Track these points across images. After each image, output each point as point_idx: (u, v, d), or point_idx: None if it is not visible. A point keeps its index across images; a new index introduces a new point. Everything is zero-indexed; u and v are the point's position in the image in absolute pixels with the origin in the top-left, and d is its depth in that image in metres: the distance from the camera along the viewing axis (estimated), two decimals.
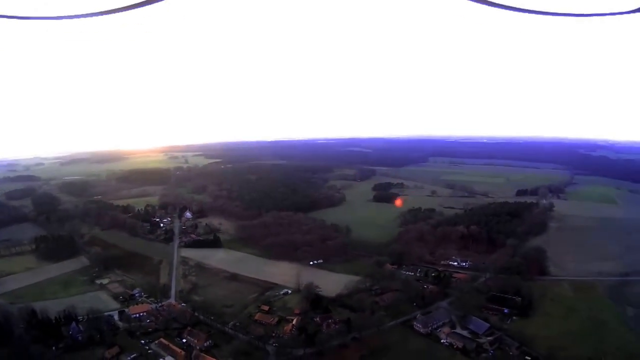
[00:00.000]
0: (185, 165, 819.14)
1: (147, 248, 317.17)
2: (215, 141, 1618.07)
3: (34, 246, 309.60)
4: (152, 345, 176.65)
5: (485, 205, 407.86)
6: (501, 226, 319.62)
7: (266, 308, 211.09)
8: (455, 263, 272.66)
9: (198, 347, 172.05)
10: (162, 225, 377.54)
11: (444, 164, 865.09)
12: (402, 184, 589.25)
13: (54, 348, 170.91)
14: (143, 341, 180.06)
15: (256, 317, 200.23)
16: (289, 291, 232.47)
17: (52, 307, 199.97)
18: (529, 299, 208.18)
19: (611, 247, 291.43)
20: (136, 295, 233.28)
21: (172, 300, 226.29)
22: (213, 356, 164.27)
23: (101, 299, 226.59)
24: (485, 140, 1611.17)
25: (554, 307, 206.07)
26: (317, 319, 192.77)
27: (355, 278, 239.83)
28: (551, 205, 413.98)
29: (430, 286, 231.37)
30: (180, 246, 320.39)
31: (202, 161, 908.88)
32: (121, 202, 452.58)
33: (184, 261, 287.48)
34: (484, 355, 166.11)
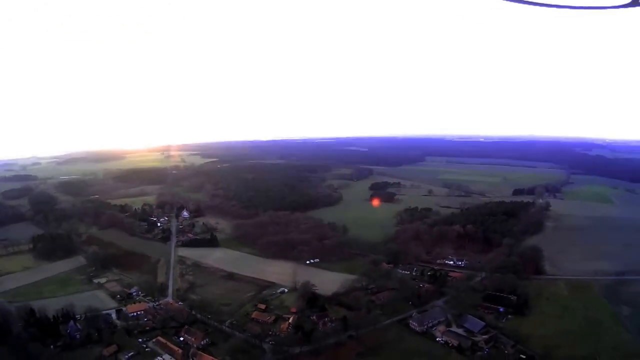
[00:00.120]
0: (182, 165, 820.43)
1: (144, 247, 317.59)
2: (212, 140, 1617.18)
3: (31, 245, 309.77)
4: (150, 344, 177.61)
5: (481, 205, 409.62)
6: (497, 225, 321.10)
7: (263, 306, 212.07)
8: (452, 262, 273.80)
9: (195, 346, 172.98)
10: (159, 224, 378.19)
11: (440, 163, 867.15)
12: (399, 183, 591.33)
13: (52, 346, 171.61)
14: (141, 339, 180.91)
15: (253, 316, 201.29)
16: (286, 290, 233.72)
17: (50, 305, 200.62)
18: (525, 298, 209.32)
19: (607, 246, 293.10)
20: (134, 294, 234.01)
21: (169, 299, 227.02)
22: (210, 354, 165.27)
23: (99, 298, 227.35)
24: (482, 140, 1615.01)
25: (550, 306, 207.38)
26: (314, 317, 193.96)
27: (352, 277, 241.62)
28: (547, 205, 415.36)
29: (426, 285, 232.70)
30: (177, 245, 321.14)
31: (199, 160, 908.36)
32: (118, 202, 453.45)
33: (181, 260, 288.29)
34: (479, 353, 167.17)
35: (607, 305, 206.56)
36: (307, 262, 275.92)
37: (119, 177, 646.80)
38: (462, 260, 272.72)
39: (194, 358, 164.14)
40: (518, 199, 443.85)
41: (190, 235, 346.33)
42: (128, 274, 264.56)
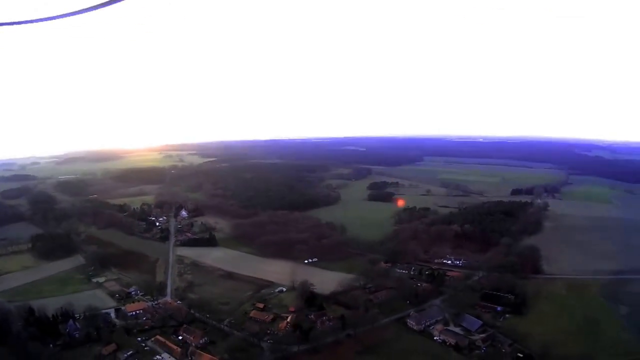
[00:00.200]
0: (180, 164, 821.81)
1: (143, 246, 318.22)
2: (211, 140, 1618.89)
3: (30, 245, 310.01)
4: (149, 343, 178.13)
5: (479, 205, 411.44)
6: (495, 225, 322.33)
7: (261, 305, 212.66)
8: (449, 261, 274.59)
9: (194, 344, 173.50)
10: (158, 224, 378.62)
11: (439, 163, 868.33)
12: (397, 183, 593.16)
13: (51, 345, 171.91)
14: (140, 338, 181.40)
15: (251, 315, 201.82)
16: (284, 289, 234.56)
17: (50, 305, 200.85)
18: (523, 297, 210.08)
19: (606, 246, 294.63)
20: (133, 293, 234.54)
21: (168, 298, 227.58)
22: (209, 353, 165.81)
23: (98, 297, 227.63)
24: (481, 140, 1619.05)
25: (548, 305, 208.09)
26: (312, 316, 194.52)
27: (350, 276, 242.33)
28: (546, 205, 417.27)
29: (424, 284, 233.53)
30: (176, 245, 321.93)
31: (198, 160, 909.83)
32: (117, 201, 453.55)
33: (180, 260, 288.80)
34: (476, 352, 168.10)
35: (606, 304, 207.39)
36: (306, 261, 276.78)
37: (118, 176, 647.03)
38: (460, 260, 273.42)
39: (193, 357, 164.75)
40: (516, 199, 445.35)
41: (188, 234, 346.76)
42: (127, 274, 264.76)
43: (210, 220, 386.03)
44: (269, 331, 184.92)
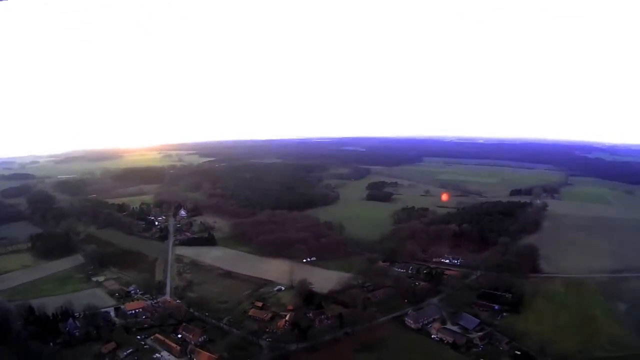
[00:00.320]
0: (179, 164, 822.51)
1: (142, 246, 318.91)
2: (210, 140, 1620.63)
3: (30, 244, 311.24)
4: (148, 341, 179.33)
5: (478, 205, 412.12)
6: (494, 225, 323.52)
7: (260, 304, 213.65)
8: (447, 260, 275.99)
9: (193, 342, 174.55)
10: (157, 223, 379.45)
11: (438, 163, 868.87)
12: (396, 183, 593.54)
13: (51, 344, 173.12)
14: (139, 337, 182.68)
15: (250, 313, 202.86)
16: (283, 288, 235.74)
17: (50, 303, 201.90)
18: (520, 296, 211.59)
19: (604, 245, 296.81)
20: (132, 292, 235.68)
21: (167, 297, 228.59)
22: (208, 351, 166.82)
23: (97, 296, 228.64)
24: (481, 141, 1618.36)
25: (545, 304, 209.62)
26: (310, 314, 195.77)
27: (348, 275, 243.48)
28: (545, 205, 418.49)
29: (422, 283, 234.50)
30: (175, 244, 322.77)
31: (197, 160, 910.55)
32: (116, 201, 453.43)
33: (179, 259, 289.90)
34: (474, 350, 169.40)
35: (603, 302, 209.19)
36: (304, 260, 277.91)
37: (117, 176, 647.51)
38: (458, 259, 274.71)
39: (192, 355, 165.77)
40: (515, 199, 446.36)
41: (188, 234, 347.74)
42: (126, 273, 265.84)
43: (209, 219, 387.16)
44: (267, 329, 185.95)
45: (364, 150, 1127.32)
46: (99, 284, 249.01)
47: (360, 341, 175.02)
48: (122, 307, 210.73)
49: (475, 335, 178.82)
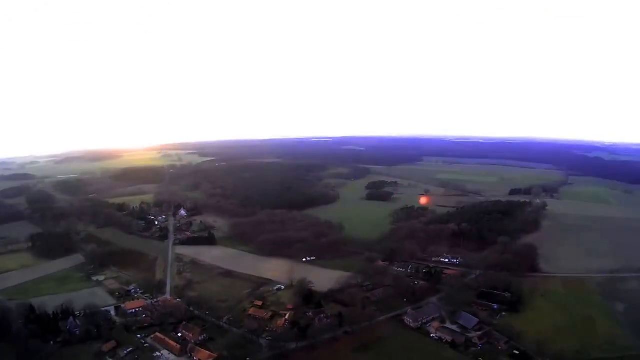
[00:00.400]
0: (179, 164, 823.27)
1: (142, 245, 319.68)
2: (210, 140, 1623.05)
3: (30, 244, 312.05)
4: (148, 340, 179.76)
5: (477, 204, 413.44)
6: (493, 224, 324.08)
7: (260, 303, 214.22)
8: (447, 260, 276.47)
9: (193, 341, 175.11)
10: (157, 223, 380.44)
11: (438, 163, 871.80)
12: (396, 182, 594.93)
13: (52, 342, 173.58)
14: (139, 335, 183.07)
15: (250, 312, 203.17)
16: (282, 287, 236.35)
17: (50, 303, 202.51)
18: (519, 295, 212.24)
19: (603, 245, 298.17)
20: (132, 291, 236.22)
21: (167, 296, 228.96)
22: (208, 349, 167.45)
23: (98, 295, 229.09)
24: (480, 140, 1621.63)
25: (544, 303, 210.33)
26: (310, 313, 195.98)
27: (348, 274, 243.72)
28: (544, 204, 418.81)
29: (421, 282, 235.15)
30: (175, 243, 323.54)
31: (196, 159, 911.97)
32: (116, 200, 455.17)
33: (179, 258, 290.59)
34: (472, 349, 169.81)
35: (601, 301, 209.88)
36: (304, 259, 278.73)
37: (117, 176, 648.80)
38: (457, 258, 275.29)
39: (192, 353, 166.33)
40: (515, 198, 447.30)
41: (188, 233, 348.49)
42: (126, 272, 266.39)
43: (209, 219, 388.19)
44: (267, 328, 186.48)
45: (364, 149, 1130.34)
46: (99, 283, 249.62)
47: (359, 340, 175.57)
48: (122, 306, 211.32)
49: (474, 335, 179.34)
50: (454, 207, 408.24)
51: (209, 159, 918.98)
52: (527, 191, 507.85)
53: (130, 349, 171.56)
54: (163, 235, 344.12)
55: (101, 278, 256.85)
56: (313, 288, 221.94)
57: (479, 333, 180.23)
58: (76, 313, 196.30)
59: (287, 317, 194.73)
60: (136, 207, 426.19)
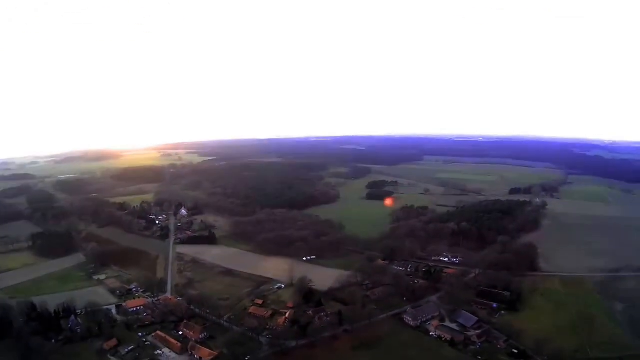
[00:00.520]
0: (179, 163, 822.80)
1: (143, 244, 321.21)
2: (210, 139, 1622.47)
3: (30, 243, 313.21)
4: (149, 338, 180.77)
5: (477, 203, 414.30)
6: (492, 223, 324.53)
7: (260, 301, 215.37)
8: (446, 259, 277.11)
9: (194, 339, 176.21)
10: (157, 222, 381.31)
11: (438, 162, 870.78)
12: (396, 182, 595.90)
13: (53, 340, 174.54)
14: (140, 334, 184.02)
15: (250, 310, 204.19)
16: (283, 285, 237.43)
17: (51, 301, 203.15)
18: (518, 294, 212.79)
19: (602, 244, 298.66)
20: (133, 289, 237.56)
21: (168, 295, 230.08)
22: (209, 348, 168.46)
23: (99, 294, 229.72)
24: (480, 139, 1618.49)
25: (543, 302, 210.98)
26: (310, 312, 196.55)
27: (348, 273, 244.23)
28: (544, 204, 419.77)
29: (421, 281, 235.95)
30: (175, 242, 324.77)
31: (197, 159, 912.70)
32: (117, 200, 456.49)
33: (180, 257, 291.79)
34: (471, 347, 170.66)
35: (601, 301, 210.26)
36: (304, 258, 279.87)
37: (117, 175, 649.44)
38: (456, 257, 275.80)
39: (193, 351, 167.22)
40: (514, 197, 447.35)
41: (188, 232, 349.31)
42: (127, 271, 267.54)
43: (210, 218, 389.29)
44: (267, 326, 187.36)
45: (364, 149, 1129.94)
46: (100, 282, 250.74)
47: (359, 338, 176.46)
48: (123, 304, 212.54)
49: (473, 333, 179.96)
50: (453, 207, 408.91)
51: (209, 158, 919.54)
52: (527, 190, 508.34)
53: (132, 347, 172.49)
54: (164, 234, 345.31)
55: (102, 277, 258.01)
56: (313, 287, 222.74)
57: (478, 332, 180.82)
58: (77, 311, 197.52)
59: (287, 315, 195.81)
60: (137, 206, 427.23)
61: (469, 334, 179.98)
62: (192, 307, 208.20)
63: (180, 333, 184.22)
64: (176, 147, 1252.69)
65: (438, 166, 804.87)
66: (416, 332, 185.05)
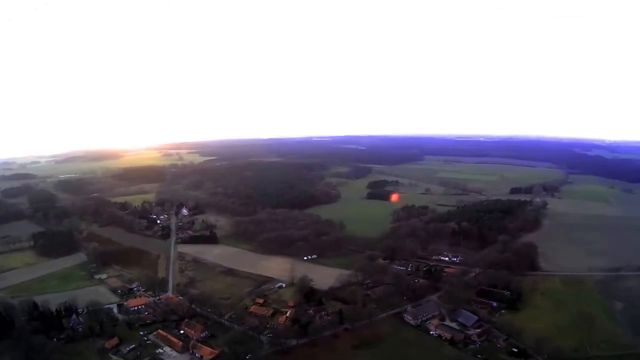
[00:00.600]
0: (180, 163, 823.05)
1: (144, 244, 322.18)
2: (211, 139, 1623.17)
3: (32, 242, 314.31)
4: (151, 336, 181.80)
5: (478, 203, 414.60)
6: (493, 223, 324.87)
7: (261, 301, 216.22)
8: (447, 258, 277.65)
9: (195, 338, 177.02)
10: (159, 221, 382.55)
11: (439, 162, 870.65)
12: (397, 181, 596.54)
13: (55, 339, 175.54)
14: (142, 332, 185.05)
15: (251, 309, 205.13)
16: (284, 284, 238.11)
17: (53, 300, 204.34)
18: (518, 293, 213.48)
19: (602, 243, 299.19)
20: (134, 289, 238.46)
21: (169, 294, 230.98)
22: (210, 346, 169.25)
23: (100, 293, 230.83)
24: (482, 139, 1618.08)
25: (543, 301, 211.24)
26: (311, 310, 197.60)
27: (348, 272, 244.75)
28: (544, 203, 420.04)
29: (421, 280, 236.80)
30: (177, 242, 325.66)
31: (198, 158, 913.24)
32: (118, 199, 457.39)
33: (181, 256, 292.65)
34: (471, 346, 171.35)
35: (600, 300, 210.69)
36: (305, 258, 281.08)
37: (118, 175, 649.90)
38: (457, 257, 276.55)
39: (194, 350, 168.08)
40: (515, 197, 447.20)
41: (189, 232, 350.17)
42: (129, 270, 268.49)
43: (211, 217, 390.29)
44: (268, 325, 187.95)
45: (365, 148, 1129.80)
46: (101, 281, 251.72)
47: (359, 337, 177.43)
48: (124, 303, 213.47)
49: (473, 332, 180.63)
50: (454, 206, 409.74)
51: (210, 158, 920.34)
52: (528, 190, 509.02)
53: (133, 345, 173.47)
54: (165, 233, 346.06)
55: (104, 276, 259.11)
56: (314, 286, 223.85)
57: (478, 330, 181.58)
58: (79, 310, 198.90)
59: (288, 314, 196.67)
60: (138, 206, 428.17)
61: (469, 332, 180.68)
62: (193, 306, 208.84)
63: (182, 332, 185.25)
64: (177, 146, 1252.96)
65: (439, 166, 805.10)
66: (416, 330, 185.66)
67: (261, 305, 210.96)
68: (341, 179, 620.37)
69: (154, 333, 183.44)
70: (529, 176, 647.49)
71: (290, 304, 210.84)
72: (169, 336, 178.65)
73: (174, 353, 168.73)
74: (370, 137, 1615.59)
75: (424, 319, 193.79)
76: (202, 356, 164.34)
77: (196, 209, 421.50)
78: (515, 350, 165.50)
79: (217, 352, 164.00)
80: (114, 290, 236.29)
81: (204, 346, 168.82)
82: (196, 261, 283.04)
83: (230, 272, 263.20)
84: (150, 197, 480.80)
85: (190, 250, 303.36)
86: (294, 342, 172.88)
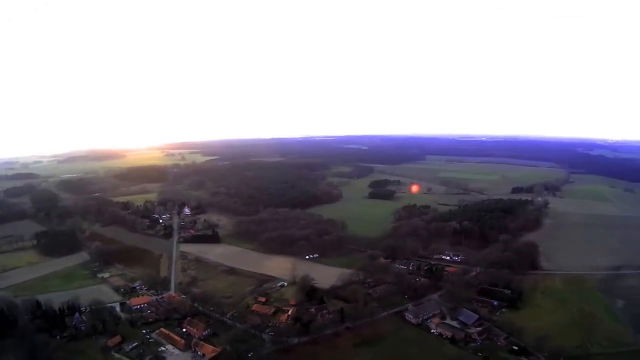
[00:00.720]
0: (182, 163, 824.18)
1: (147, 243, 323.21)
2: (213, 139, 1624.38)
3: (35, 242, 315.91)
4: (153, 335, 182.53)
5: (479, 202, 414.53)
6: (494, 222, 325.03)
7: (263, 299, 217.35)
8: (448, 257, 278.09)
9: (197, 336, 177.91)
10: (161, 221, 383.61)
11: (441, 161, 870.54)
12: (398, 181, 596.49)
13: (58, 337, 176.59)
14: (144, 331, 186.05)
15: (253, 308, 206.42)
16: (285, 283, 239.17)
17: (56, 299, 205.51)
18: (519, 292, 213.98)
19: (603, 243, 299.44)
20: (137, 287, 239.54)
21: (172, 292, 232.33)
22: (212, 344, 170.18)
23: (103, 292, 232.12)
24: (483, 139, 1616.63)
25: (544, 300, 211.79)
26: (312, 309, 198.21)
27: (350, 271, 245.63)
28: (546, 203, 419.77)
29: (422, 279, 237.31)
30: (179, 241, 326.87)
31: (200, 158, 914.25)
32: (120, 199, 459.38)
33: (183, 255, 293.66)
34: (472, 345, 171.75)
35: (602, 298, 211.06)
36: (307, 257, 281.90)
37: (121, 175, 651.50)
38: (458, 256, 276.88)
39: (196, 348, 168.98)
40: (516, 196, 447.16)
41: (192, 231, 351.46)
42: (131, 269, 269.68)
43: (213, 217, 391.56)
44: (270, 323, 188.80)
45: (367, 148, 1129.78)
46: (104, 280, 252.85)
47: (360, 335, 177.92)
48: (127, 302, 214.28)
49: (473, 330, 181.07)
50: (456, 205, 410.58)
51: (212, 157, 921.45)
52: (529, 189, 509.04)
53: (136, 343, 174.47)
54: (167, 233, 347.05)
55: (106, 275, 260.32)
56: (315, 285, 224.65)
57: (479, 329, 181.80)
58: (82, 309, 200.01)
59: (289, 312, 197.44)
60: (140, 205, 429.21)
61: (469, 331, 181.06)
62: (195, 304, 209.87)
63: (184, 330, 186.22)
64: (179, 146, 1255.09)
65: (440, 165, 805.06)
66: (417, 329, 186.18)
67: (263, 303, 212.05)
68: (343, 179, 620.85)
69: (157, 331, 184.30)
70: (530, 176, 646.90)
71: (292, 302, 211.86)
72: (172, 334, 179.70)
73: (177, 351, 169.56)
74: (372, 137, 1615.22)
75: (425, 317, 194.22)
76: (204, 354, 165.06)
77: (198, 209, 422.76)
78: (516, 348, 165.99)
79: (219, 350, 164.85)
80: (116, 289, 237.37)
81: (206, 344, 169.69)
82: (198, 260, 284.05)
83: (232, 271, 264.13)
84: (153, 196, 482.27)
85: (193, 249, 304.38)
86: (295, 340, 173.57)
